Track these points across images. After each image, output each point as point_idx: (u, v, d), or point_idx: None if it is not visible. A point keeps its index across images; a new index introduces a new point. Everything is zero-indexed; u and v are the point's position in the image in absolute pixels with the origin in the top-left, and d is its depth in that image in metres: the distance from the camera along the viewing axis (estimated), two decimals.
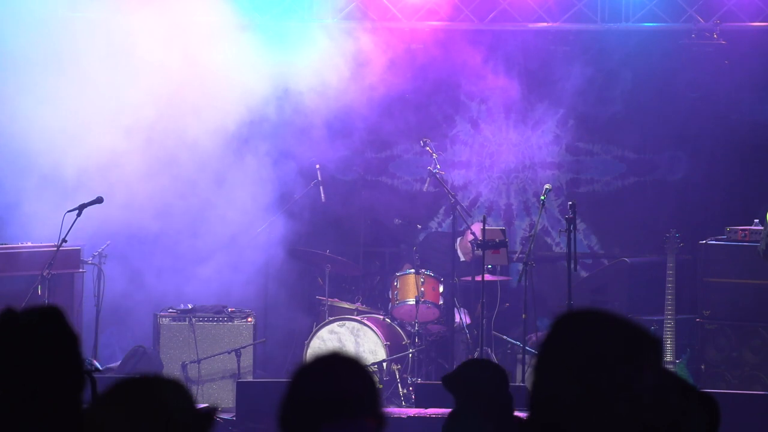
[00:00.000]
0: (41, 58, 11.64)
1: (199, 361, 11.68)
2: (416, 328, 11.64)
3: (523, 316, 10.89)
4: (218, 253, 12.04)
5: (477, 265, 11.31)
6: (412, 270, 11.83)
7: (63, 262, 11.30)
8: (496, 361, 11.56)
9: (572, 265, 10.68)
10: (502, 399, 6.00)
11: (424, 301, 11.72)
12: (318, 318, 12.01)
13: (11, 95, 11.58)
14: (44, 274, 10.98)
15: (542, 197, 11.18)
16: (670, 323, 11.17)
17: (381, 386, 10.97)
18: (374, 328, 11.63)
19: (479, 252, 11.33)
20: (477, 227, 11.83)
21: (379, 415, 3.27)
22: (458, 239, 12.28)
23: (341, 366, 3.28)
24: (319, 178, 12.38)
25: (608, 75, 13.02)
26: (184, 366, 11.69)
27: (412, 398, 11.12)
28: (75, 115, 11.71)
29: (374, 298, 12.70)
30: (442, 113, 13.47)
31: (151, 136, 11.76)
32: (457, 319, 11.72)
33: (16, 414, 3.18)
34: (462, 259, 12.24)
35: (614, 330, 2.86)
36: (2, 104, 11.61)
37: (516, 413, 6.01)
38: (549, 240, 13.36)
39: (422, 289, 11.74)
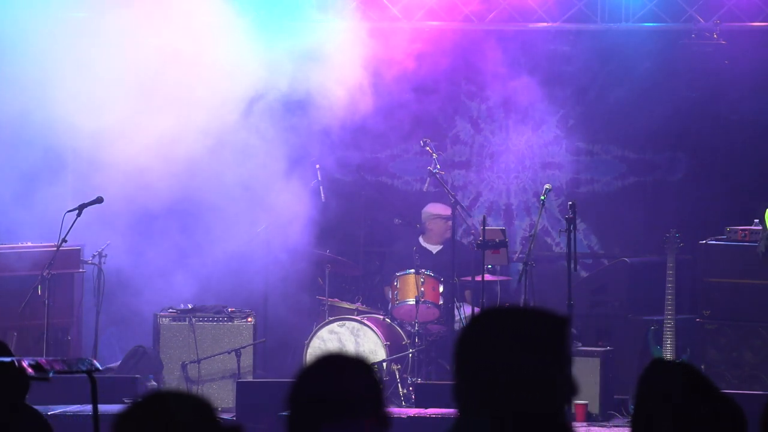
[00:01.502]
0: (41, 56, 11.64)
1: (199, 361, 11.68)
2: (416, 328, 11.64)
3: None
4: (218, 252, 12.03)
5: (477, 265, 11.32)
6: (412, 270, 11.84)
7: (63, 262, 11.31)
8: None
9: (572, 265, 10.69)
10: None
11: (424, 301, 11.72)
12: (318, 318, 12.01)
13: (10, 94, 11.58)
14: (44, 274, 10.98)
15: (542, 197, 11.19)
16: (670, 323, 11.17)
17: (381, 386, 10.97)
18: (374, 328, 11.63)
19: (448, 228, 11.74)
20: (439, 207, 11.98)
21: (382, 416, 3.27)
22: (420, 236, 12.38)
23: (344, 366, 3.28)
24: (319, 178, 12.37)
25: (608, 75, 13.02)
26: (184, 366, 11.68)
27: (412, 398, 11.13)
28: (78, 112, 11.71)
29: (374, 298, 12.70)
30: (442, 113, 13.47)
31: (150, 137, 11.77)
32: (457, 318, 11.72)
33: None
34: (435, 250, 12.29)
35: (510, 328, 3.15)
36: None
37: None
38: (549, 240, 13.36)
39: (422, 289, 11.74)
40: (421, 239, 12.42)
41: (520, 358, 3.11)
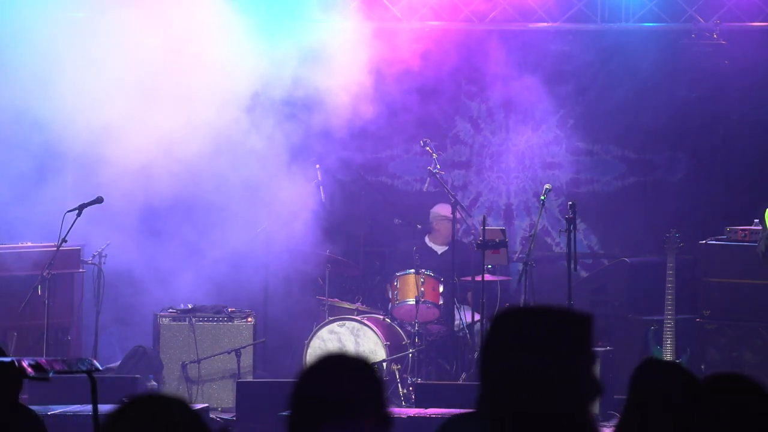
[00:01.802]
0: (42, 56, 11.64)
1: (199, 361, 11.68)
2: (416, 328, 11.64)
3: None
4: (219, 252, 12.03)
5: (477, 265, 11.32)
6: (412, 270, 11.84)
7: (63, 262, 11.31)
8: None
9: (572, 265, 10.69)
10: None
11: (424, 301, 11.72)
12: (318, 318, 12.01)
13: (10, 94, 11.58)
14: (44, 274, 10.98)
15: (542, 197, 11.18)
16: (670, 323, 11.17)
17: None
18: (374, 328, 11.63)
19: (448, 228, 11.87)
20: (447, 209, 11.97)
21: (383, 416, 3.27)
22: (426, 236, 12.38)
23: (344, 366, 3.28)
24: (319, 178, 12.37)
25: (608, 75, 13.02)
26: (184, 366, 11.68)
27: (412, 398, 11.13)
28: (78, 111, 11.72)
29: (374, 298, 12.69)
30: (442, 113, 13.46)
31: (150, 137, 11.77)
32: (457, 320, 11.72)
33: None
34: (440, 251, 12.29)
35: (539, 319, 3.13)
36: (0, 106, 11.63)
37: None
38: (549, 240, 13.36)
39: (422, 289, 11.74)
40: (426, 239, 12.42)
41: (520, 358, 3.11)
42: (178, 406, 3.05)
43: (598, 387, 3.18)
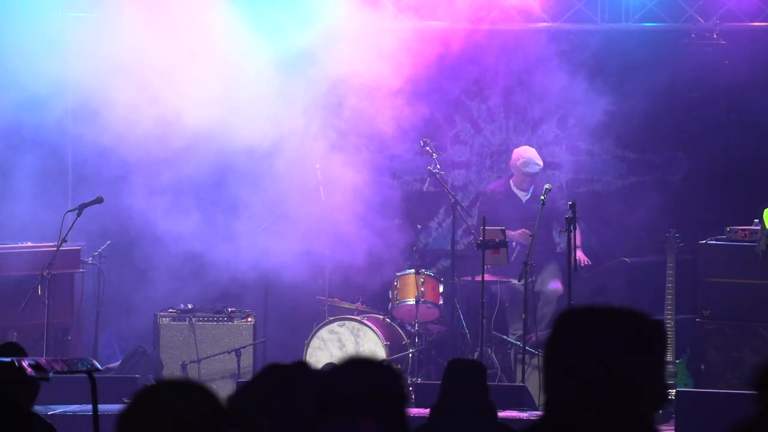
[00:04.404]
0: (43, 55, 11.64)
1: (199, 361, 11.68)
2: (416, 328, 11.65)
3: (523, 316, 10.90)
4: (219, 252, 12.03)
5: (476, 265, 11.31)
6: (412, 270, 11.84)
7: (63, 262, 11.31)
8: (496, 361, 11.59)
9: (572, 265, 10.69)
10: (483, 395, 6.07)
11: (424, 301, 11.72)
12: (318, 318, 12.01)
13: (11, 93, 11.59)
14: (44, 274, 10.98)
15: (542, 197, 11.18)
16: (670, 323, 11.17)
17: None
18: (374, 328, 11.63)
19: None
20: (526, 152, 12.11)
21: (384, 418, 3.25)
22: (510, 180, 12.32)
23: (352, 366, 3.27)
24: (319, 178, 12.37)
25: (608, 75, 13.02)
26: (184, 366, 11.69)
27: (412, 398, 11.13)
28: (78, 110, 11.72)
29: (374, 298, 12.69)
30: (442, 113, 13.46)
31: (151, 137, 11.77)
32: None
33: None
34: (524, 198, 12.25)
35: (611, 326, 2.98)
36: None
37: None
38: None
39: (422, 289, 11.74)
40: (511, 183, 12.37)
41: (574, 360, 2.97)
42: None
43: (661, 393, 2.99)
